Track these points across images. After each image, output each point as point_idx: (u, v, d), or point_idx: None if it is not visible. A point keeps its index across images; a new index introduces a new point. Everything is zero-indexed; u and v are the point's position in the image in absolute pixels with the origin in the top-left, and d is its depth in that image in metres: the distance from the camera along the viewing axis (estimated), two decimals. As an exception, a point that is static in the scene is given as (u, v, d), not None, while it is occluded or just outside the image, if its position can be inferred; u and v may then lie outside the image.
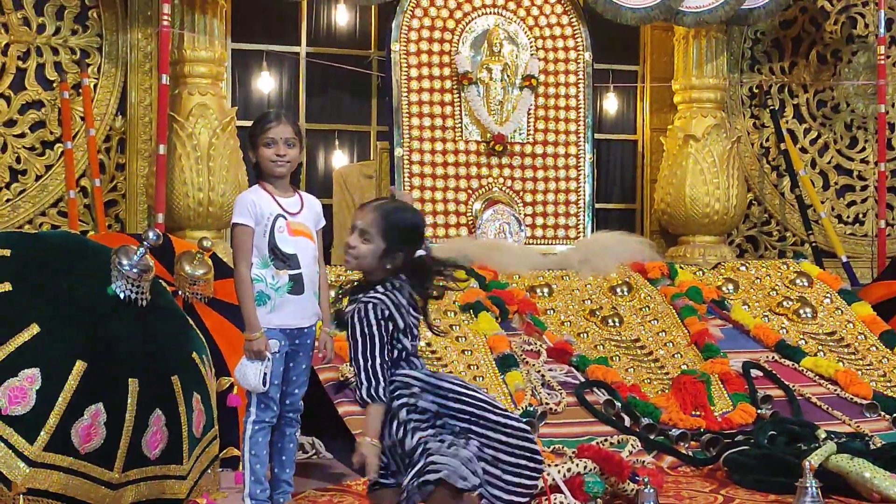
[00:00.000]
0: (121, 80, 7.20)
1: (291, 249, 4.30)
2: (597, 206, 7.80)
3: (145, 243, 4.52)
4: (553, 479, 4.48)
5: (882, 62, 8.32)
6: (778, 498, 4.79)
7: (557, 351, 6.07)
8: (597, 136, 7.90)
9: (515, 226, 7.31)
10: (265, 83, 7.89)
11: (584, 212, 7.58)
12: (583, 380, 5.88)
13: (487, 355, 5.93)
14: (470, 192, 7.36)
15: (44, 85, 7.10)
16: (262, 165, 4.40)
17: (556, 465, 4.59)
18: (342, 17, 8.11)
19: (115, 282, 4.46)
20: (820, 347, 6.50)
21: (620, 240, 7.19)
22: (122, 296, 4.45)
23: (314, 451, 5.64)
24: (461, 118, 7.34)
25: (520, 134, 7.46)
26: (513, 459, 3.64)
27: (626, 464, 4.67)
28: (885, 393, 6.11)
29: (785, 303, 6.85)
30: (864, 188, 8.86)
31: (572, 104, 7.58)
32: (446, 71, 7.32)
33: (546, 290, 6.65)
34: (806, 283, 7.07)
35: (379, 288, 3.72)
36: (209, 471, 4.84)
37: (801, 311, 6.78)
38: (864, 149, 8.87)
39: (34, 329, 4.27)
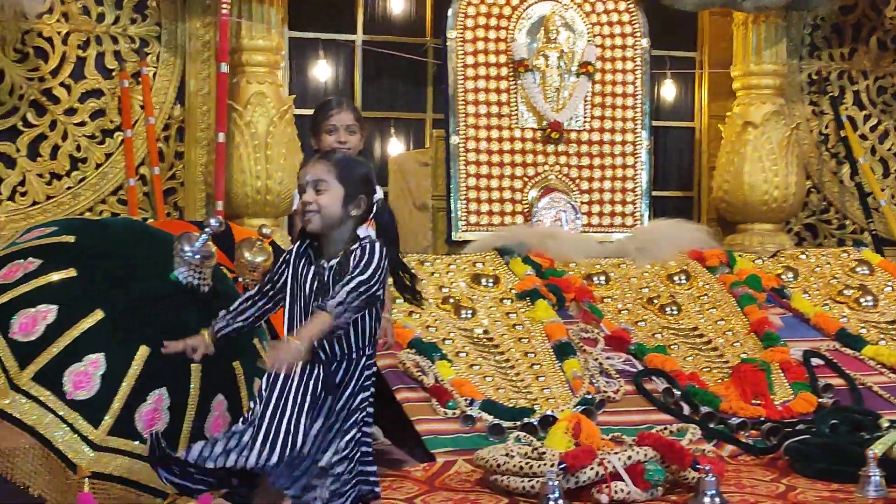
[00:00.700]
0: (179, 68, 7.25)
1: (351, 236, 4.30)
2: (653, 193, 7.75)
3: (207, 230, 4.56)
4: (613, 467, 4.46)
5: (943, 48, 8.21)
6: (840, 487, 4.74)
7: (615, 339, 6.04)
8: (654, 123, 7.85)
9: (572, 214, 7.28)
10: (321, 71, 7.91)
11: (640, 199, 7.54)
12: (641, 368, 5.85)
13: (544, 343, 5.91)
14: (526, 179, 7.34)
15: (103, 74, 7.17)
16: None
17: (617, 453, 4.57)
18: (398, 4, 8.12)
19: (177, 268, 4.50)
20: (882, 336, 6.42)
21: (678, 227, 7.14)
22: (184, 282, 4.49)
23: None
24: (517, 105, 7.32)
25: (576, 121, 7.43)
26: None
27: (687, 452, 4.64)
28: (949, 382, 6.03)
29: (845, 291, 6.78)
30: (925, 175, 8.75)
31: (629, 91, 7.54)
32: (502, 58, 7.30)
33: (603, 278, 6.62)
34: (867, 272, 6.98)
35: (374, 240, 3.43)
36: (269, 456, 4.87)
37: (862, 300, 6.69)
38: (925, 135, 8.75)
39: (98, 314, 4.31)
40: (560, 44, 7.37)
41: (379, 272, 3.35)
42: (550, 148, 7.38)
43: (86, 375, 4.22)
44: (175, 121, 7.27)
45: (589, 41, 7.44)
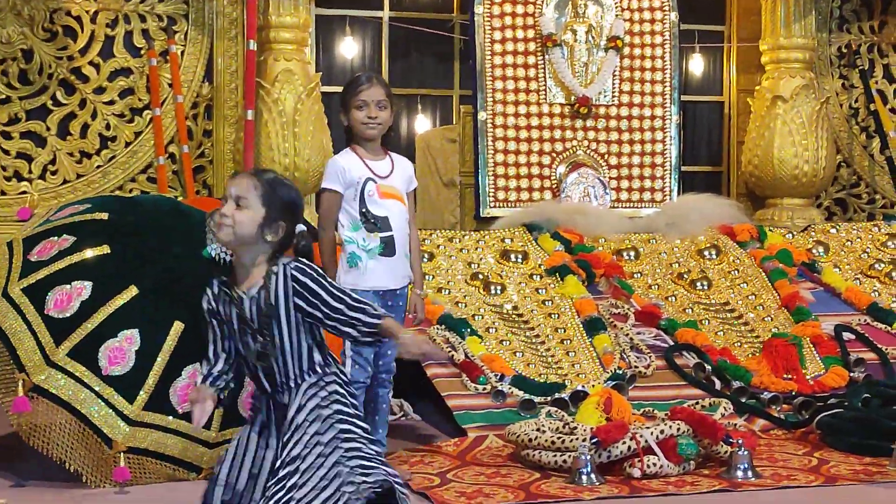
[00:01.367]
0: (207, 46, 7.26)
1: (382, 212, 4.32)
2: (683, 168, 7.71)
3: (239, 206, 4.56)
4: (646, 441, 4.47)
5: (973, 19, 8.13)
6: (874, 461, 4.73)
7: (645, 314, 6.03)
8: (683, 97, 7.79)
9: (600, 189, 7.26)
10: (349, 48, 7.91)
11: (669, 174, 7.50)
12: (672, 343, 5.84)
13: (574, 318, 5.91)
14: (554, 155, 7.32)
15: (132, 52, 7.18)
16: (354, 128, 4.42)
17: (649, 427, 4.57)
18: (424, -20, 8.10)
19: (209, 244, 4.51)
20: (913, 310, 6.39)
21: (707, 202, 7.10)
22: (216, 258, 4.51)
23: (402, 413, 5.67)
24: (545, 81, 7.29)
25: (604, 96, 7.39)
26: None
27: (719, 426, 4.64)
28: (981, 356, 5.99)
29: (877, 265, 6.74)
30: (955, 149, 8.66)
31: (658, 65, 7.49)
32: (530, 33, 7.26)
33: (632, 253, 6.61)
34: (898, 246, 6.95)
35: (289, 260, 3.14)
36: (302, 431, 4.90)
37: (894, 274, 6.66)
38: (955, 108, 8.68)
39: (133, 291, 4.35)
40: (588, 18, 7.33)
41: (336, 289, 3.12)
42: (579, 123, 7.35)
43: (121, 351, 4.26)
44: (203, 99, 7.28)
45: (617, 15, 7.39)
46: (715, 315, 6.19)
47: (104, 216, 4.54)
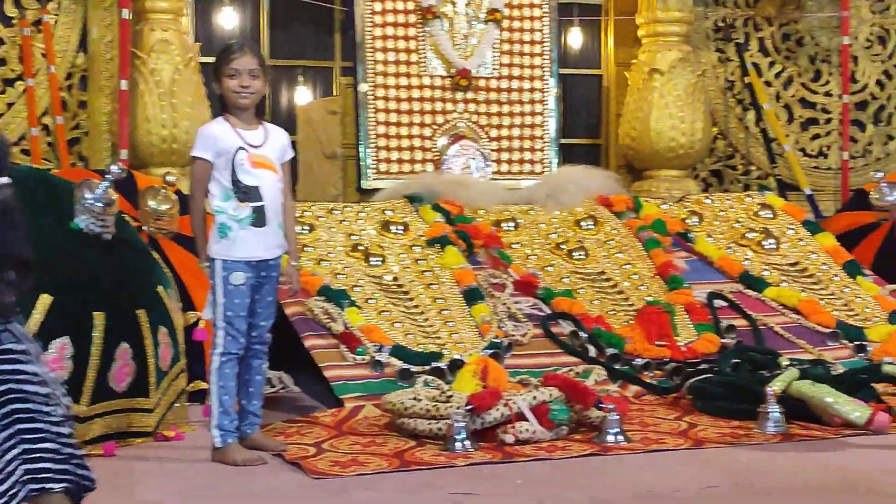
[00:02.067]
0: (81, 16, 7.10)
1: (253, 182, 4.29)
2: (562, 140, 7.79)
3: (108, 176, 4.52)
4: (519, 407, 4.53)
5: (845, -6, 8.34)
6: (741, 424, 4.86)
7: (523, 284, 6.10)
8: (562, 70, 7.87)
9: (481, 161, 7.31)
10: (227, 18, 7.80)
11: (549, 147, 7.58)
12: (548, 312, 5.92)
13: (454, 289, 5.96)
14: (435, 127, 7.34)
15: (4, 22, 6.99)
16: (226, 97, 4.38)
17: (522, 394, 4.63)
18: (304, -50, 8.02)
19: (78, 216, 4.45)
20: (783, 278, 6.56)
21: (586, 174, 7.19)
22: (85, 230, 4.45)
23: (282, 385, 5.65)
24: (426, 53, 7.29)
25: (485, 68, 7.42)
26: None
27: (591, 391, 4.73)
28: (847, 321, 6.19)
29: (749, 234, 6.90)
30: (827, 121, 8.89)
31: (537, 38, 7.54)
32: (410, 5, 7.25)
33: (512, 224, 6.67)
34: (770, 215, 7.12)
35: None
36: (177, 404, 4.88)
37: (765, 243, 6.82)
38: (827, 82, 8.89)
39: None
40: (467, -10, 7.35)
41: None
42: (459, 95, 7.38)
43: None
44: (78, 69, 7.13)
45: (497, -12, 7.43)
46: (591, 284, 6.29)
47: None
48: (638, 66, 8.08)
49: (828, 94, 8.88)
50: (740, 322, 6.05)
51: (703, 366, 5.55)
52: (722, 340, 5.83)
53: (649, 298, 6.10)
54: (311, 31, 8.04)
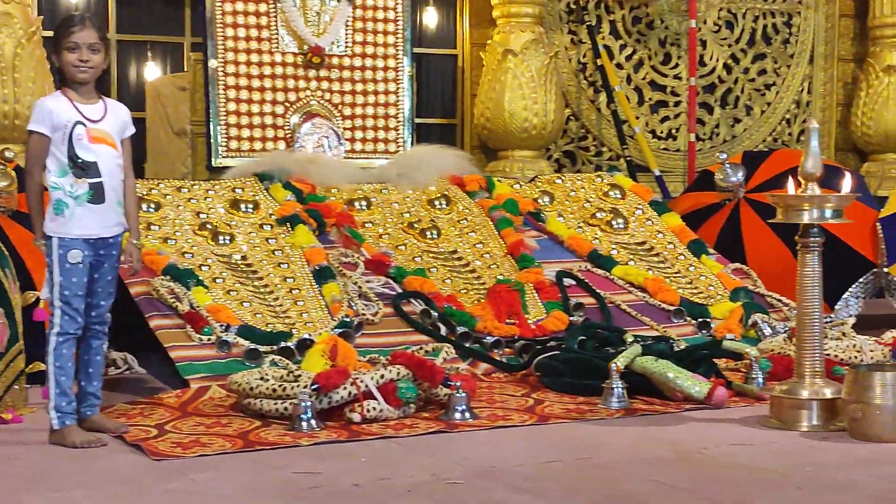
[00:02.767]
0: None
1: (91, 157, 4.18)
2: (417, 120, 7.80)
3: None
4: (366, 386, 4.51)
5: (693, -21, 8.50)
6: (586, 400, 4.93)
7: (375, 263, 6.08)
8: (416, 49, 7.87)
9: (334, 139, 7.26)
10: (73, -9, 7.59)
11: (403, 126, 7.57)
12: (400, 291, 5.91)
13: (304, 268, 5.91)
14: (287, 105, 7.26)
15: None
16: (65, 71, 4.27)
17: (370, 373, 4.62)
18: (152, -79, 7.84)
19: None
20: (631, 257, 6.67)
21: (439, 153, 7.20)
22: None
23: (127, 366, 5.55)
24: (277, 29, 7.21)
25: (338, 46, 7.38)
26: None
27: (438, 369, 4.73)
28: (691, 299, 6.33)
29: (598, 214, 7.00)
30: (677, 104, 9.07)
31: (391, 17, 7.53)
32: (261, -19, 7.16)
33: (364, 203, 6.64)
34: (619, 196, 7.23)
35: None
36: (15, 386, 4.74)
37: (614, 222, 6.93)
38: (677, 65, 9.07)
39: None
40: (322, -33, 7.29)
41: None
42: (312, 73, 7.32)
43: None
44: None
45: (349, -35, 7.38)
46: (443, 263, 6.31)
47: None
48: (492, 47, 8.13)
49: (677, 76, 9.06)
50: (589, 300, 6.14)
51: (552, 343, 5.62)
52: (570, 318, 5.91)
53: (500, 277, 6.14)
54: (160, 6, 7.87)
